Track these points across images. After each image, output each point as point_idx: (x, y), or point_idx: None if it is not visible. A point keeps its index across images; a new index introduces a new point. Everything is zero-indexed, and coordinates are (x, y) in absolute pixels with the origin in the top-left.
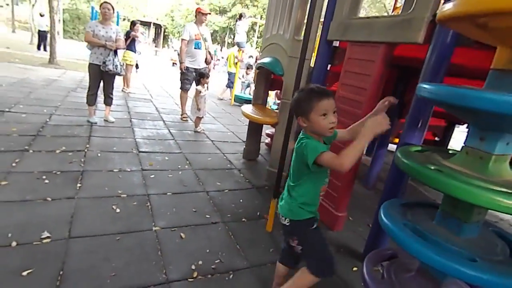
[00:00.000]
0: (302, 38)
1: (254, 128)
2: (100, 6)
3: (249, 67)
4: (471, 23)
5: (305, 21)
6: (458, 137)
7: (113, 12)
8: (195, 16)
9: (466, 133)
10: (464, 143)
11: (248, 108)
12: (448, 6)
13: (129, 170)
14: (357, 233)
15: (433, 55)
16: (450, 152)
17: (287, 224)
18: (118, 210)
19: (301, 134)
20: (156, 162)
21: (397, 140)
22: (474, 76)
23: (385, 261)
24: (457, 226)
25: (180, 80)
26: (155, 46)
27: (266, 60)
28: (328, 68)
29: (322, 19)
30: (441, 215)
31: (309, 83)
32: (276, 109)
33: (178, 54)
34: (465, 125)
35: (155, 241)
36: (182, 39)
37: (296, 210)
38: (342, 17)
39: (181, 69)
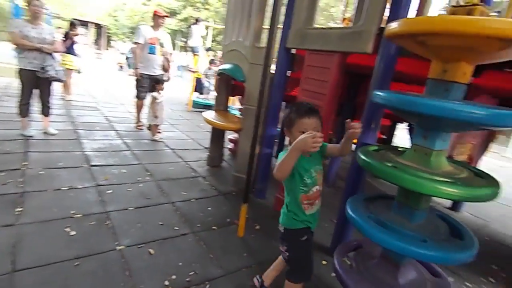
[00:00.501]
0: (262, 45)
1: (217, 134)
2: (28, 3)
3: (211, 61)
4: (412, 40)
5: (266, 28)
6: (400, 134)
7: (44, 10)
8: (152, 19)
9: (406, 130)
10: (412, 141)
11: (210, 115)
12: (394, 25)
13: (81, 187)
14: (323, 229)
15: (381, 64)
16: (400, 149)
17: (282, 231)
18: (72, 233)
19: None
20: (112, 175)
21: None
22: (412, 81)
23: (352, 251)
24: (410, 214)
25: (136, 87)
26: (97, 49)
27: (227, 66)
28: (288, 74)
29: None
30: (396, 205)
31: (276, 91)
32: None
33: (127, 58)
34: (405, 123)
35: (121, 261)
36: (136, 43)
37: (288, 219)
38: (300, 26)
39: (135, 75)
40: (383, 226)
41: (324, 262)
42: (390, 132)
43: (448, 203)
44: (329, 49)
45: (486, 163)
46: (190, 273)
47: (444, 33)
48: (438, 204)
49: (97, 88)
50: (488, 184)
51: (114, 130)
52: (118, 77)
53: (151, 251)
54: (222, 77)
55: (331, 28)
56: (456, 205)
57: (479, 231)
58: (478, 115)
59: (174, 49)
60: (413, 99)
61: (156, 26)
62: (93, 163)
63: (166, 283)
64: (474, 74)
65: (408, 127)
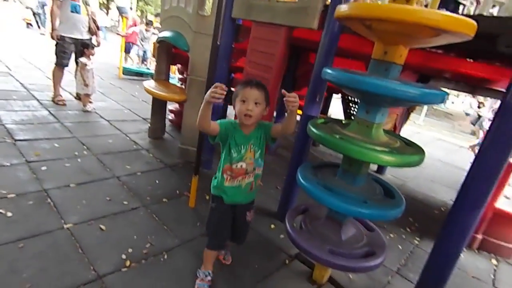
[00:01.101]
0: (206, 13)
1: (159, 105)
2: None
3: (148, 22)
4: (360, 23)
5: None
6: (335, 104)
7: None
8: None
9: (339, 100)
10: (356, 115)
11: (151, 84)
12: (344, 7)
13: (8, 164)
14: (269, 195)
15: (326, 39)
16: (344, 122)
17: None
18: (9, 214)
19: None
20: (44, 151)
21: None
22: (354, 57)
23: (300, 214)
24: (352, 178)
25: (55, 53)
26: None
27: (168, 34)
28: (233, 45)
29: None
30: (341, 171)
31: (221, 62)
32: (181, 85)
33: (35, 14)
34: (339, 95)
35: (71, 239)
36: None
37: (212, 182)
38: None
39: (53, 38)
40: (330, 190)
41: (272, 226)
42: (326, 102)
43: (375, 167)
44: (276, 22)
45: (405, 130)
46: (147, 245)
47: (389, 20)
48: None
49: (3, 49)
50: (417, 152)
51: (36, 99)
52: (28, 37)
53: (103, 227)
54: (163, 45)
55: (277, 1)
56: (381, 168)
57: (398, 190)
58: (413, 94)
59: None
60: (361, 78)
61: None
62: (17, 138)
63: (123, 256)
64: None
65: (341, 98)
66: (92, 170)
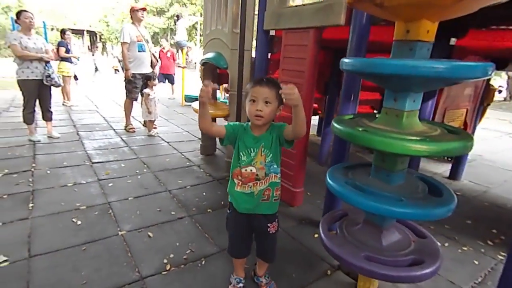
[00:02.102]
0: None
1: None
2: (19, 15)
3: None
4: (371, 3)
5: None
6: None
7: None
8: (131, 16)
9: None
10: (383, 105)
11: (198, 104)
12: None
13: (84, 182)
14: (315, 205)
15: (354, 35)
16: (377, 116)
17: None
18: (79, 222)
19: None
20: (112, 170)
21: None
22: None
23: (338, 220)
24: (387, 176)
25: (127, 89)
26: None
27: (210, 55)
28: (269, 57)
29: (257, 12)
30: (374, 169)
31: (258, 75)
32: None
33: (120, 61)
34: None
35: (122, 244)
36: (123, 43)
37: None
38: (274, 7)
39: (127, 77)
40: (360, 190)
41: (316, 236)
42: (381, 106)
43: (447, 172)
44: (303, 26)
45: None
46: (187, 252)
47: None
48: (435, 174)
49: (95, 92)
50: (458, 138)
51: (113, 129)
52: (114, 80)
53: (150, 234)
54: (207, 66)
55: (304, 5)
56: (455, 174)
57: (477, 197)
58: (438, 69)
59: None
60: (373, 61)
61: (137, 22)
62: (94, 160)
63: (165, 261)
64: (459, 35)
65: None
66: (149, 185)
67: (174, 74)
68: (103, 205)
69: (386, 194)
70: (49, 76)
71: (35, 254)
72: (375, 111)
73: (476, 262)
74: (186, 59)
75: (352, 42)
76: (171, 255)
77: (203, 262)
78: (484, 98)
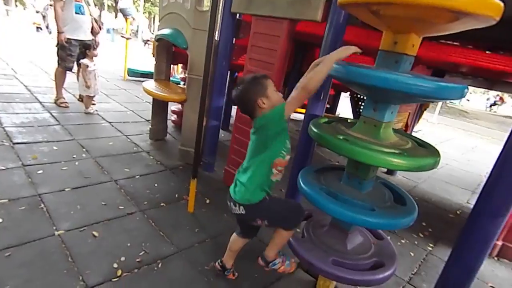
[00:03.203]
0: (205, 8)
1: (159, 106)
2: None
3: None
4: (366, 9)
5: None
6: (343, 103)
7: None
8: None
9: (347, 98)
10: (362, 113)
11: (150, 85)
12: None
13: (3, 168)
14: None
15: (330, 33)
16: (349, 121)
17: (243, 212)
18: (0, 220)
19: (258, 120)
20: (42, 154)
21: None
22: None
23: (303, 221)
24: (359, 183)
25: (59, 55)
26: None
27: (166, 31)
28: (234, 42)
29: None
30: (346, 176)
31: (221, 60)
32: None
33: (44, 17)
34: (348, 93)
35: (61, 246)
36: (56, 1)
37: (254, 193)
38: None
39: (60, 41)
40: (334, 197)
41: None
42: (334, 101)
43: (384, 168)
44: (277, 16)
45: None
46: (141, 253)
47: (398, 3)
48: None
49: (12, 53)
50: (430, 154)
51: (39, 102)
52: (37, 40)
53: (95, 233)
54: (161, 43)
55: None
56: (391, 169)
57: (410, 192)
58: (428, 88)
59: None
60: (366, 72)
61: None
62: (16, 141)
63: (115, 265)
64: None
65: (349, 96)
66: (89, 174)
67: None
68: (31, 198)
69: (360, 203)
70: None
71: None
72: (327, 105)
73: (412, 254)
74: (130, 30)
75: (327, 40)
76: (122, 258)
77: (160, 265)
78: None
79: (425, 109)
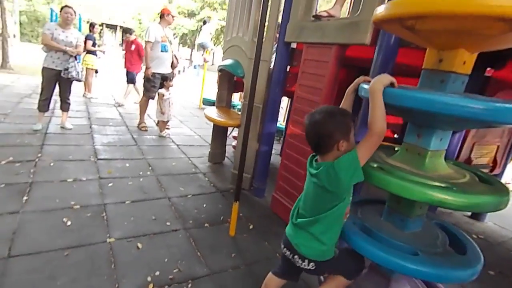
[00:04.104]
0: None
1: (219, 131)
2: (61, 9)
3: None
4: (400, 25)
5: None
6: None
7: (75, 17)
8: (160, 17)
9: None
10: (404, 139)
11: (211, 111)
12: (380, 9)
13: (84, 179)
14: None
15: (380, 56)
16: (396, 149)
17: (313, 268)
18: (69, 223)
19: (326, 165)
20: (115, 169)
21: None
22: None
23: None
24: (402, 221)
25: (145, 87)
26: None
27: (228, 62)
28: (288, 69)
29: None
30: (387, 211)
31: (275, 87)
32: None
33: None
34: None
35: (108, 253)
36: (147, 42)
37: (326, 252)
38: (298, 19)
39: (147, 75)
40: (370, 234)
41: None
42: (402, 131)
43: (469, 212)
44: (326, 42)
45: None
46: (175, 270)
47: (432, 15)
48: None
49: (117, 87)
50: (492, 191)
51: (125, 126)
52: (138, 77)
53: (139, 245)
54: (223, 73)
55: (328, 20)
56: (478, 214)
57: (503, 244)
58: (474, 110)
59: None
60: (397, 91)
61: (165, 24)
62: (100, 157)
63: (149, 279)
64: (496, 66)
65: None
66: (149, 190)
67: (136, 72)
68: (97, 207)
69: (399, 243)
70: (67, 69)
71: (15, 255)
72: (395, 136)
73: None
74: (205, 59)
75: (376, 64)
76: (157, 273)
77: (189, 285)
78: None
79: None
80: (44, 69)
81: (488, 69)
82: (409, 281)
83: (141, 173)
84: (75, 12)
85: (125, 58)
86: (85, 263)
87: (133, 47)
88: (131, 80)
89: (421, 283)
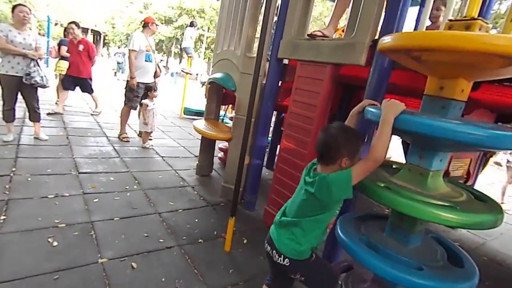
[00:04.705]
0: (253, 55)
1: (207, 143)
2: (14, 8)
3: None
4: (407, 55)
5: (258, 38)
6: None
7: (31, 16)
8: (143, 26)
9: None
10: (406, 160)
11: (200, 124)
12: (387, 39)
13: (67, 194)
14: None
15: (374, 76)
16: (394, 167)
17: (287, 264)
18: (55, 243)
19: (321, 175)
20: (100, 183)
21: None
22: (408, 94)
23: (343, 273)
24: (404, 237)
25: (127, 96)
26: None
27: (218, 75)
28: (279, 84)
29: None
30: (390, 227)
31: (267, 101)
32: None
33: (118, 63)
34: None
35: (101, 275)
36: (132, 50)
37: (304, 251)
38: (291, 37)
39: (132, 85)
40: (375, 250)
41: None
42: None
43: None
44: (321, 61)
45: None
46: None
47: (440, 49)
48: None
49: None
50: (489, 210)
51: (105, 136)
52: (112, 83)
53: (134, 265)
54: (213, 86)
55: (323, 39)
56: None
57: (476, 250)
58: (478, 137)
59: (169, 55)
60: (408, 118)
61: (149, 33)
62: (81, 170)
63: None
64: (473, 87)
65: (401, 139)
66: (138, 205)
67: (90, 78)
68: (85, 225)
69: (404, 258)
70: (29, 74)
71: (0, 281)
72: None
73: None
74: (183, 70)
75: (371, 84)
76: None
77: None
78: None
79: (491, 156)
80: (2, 77)
81: None
82: None
83: (127, 187)
84: (30, 11)
85: (70, 62)
86: (78, 287)
87: (80, 47)
88: (85, 87)
89: None
